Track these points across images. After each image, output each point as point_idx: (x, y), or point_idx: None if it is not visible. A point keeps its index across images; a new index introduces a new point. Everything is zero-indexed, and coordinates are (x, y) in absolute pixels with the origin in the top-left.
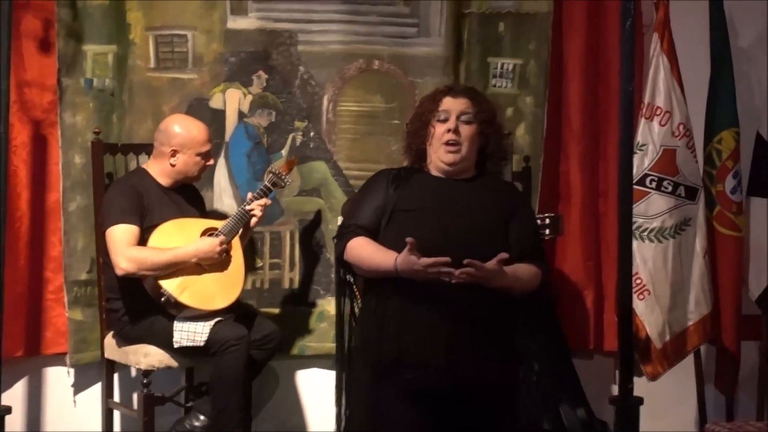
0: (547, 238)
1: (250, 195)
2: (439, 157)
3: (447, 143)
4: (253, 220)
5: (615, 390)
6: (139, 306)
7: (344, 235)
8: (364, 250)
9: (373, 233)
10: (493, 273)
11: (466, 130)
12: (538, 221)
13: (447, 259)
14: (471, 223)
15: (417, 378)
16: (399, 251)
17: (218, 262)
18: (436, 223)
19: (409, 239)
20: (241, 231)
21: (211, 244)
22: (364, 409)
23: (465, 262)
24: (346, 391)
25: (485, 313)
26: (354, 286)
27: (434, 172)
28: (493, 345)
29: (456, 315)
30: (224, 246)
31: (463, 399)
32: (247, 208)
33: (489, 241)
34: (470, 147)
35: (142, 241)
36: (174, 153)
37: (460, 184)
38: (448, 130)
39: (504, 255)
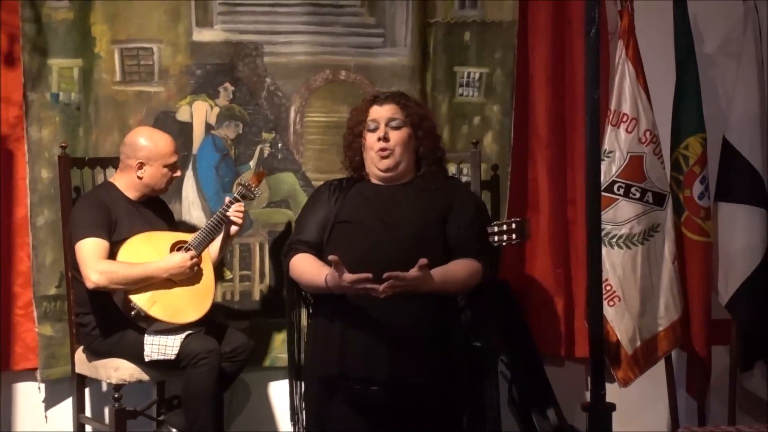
0: (514, 242)
1: (228, 199)
2: (374, 164)
3: (379, 151)
4: (234, 228)
5: (587, 396)
6: (109, 320)
7: (288, 252)
8: (303, 267)
9: (318, 248)
10: (417, 280)
11: (396, 135)
12: (505, 226)
13: (368, 275)
14: (407, 230)
15: (362, 391)
16: (341, 263)
17: (189, 276)
18: (373, 233)
19: (331, 257)
20: (221, 238)
21: (182, 259)
22: (315, 422)
23: (385, 276)
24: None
25: (426, 323)
26: (311, 299)
27: (373, 180)
28: (436, 355)
29: (396, 327)
30: (195, 260)
31: (408, 411)
32: (228, 214)
33: (425, 246)
34: (403, 151)
35: (111, 254)
36: (141, 165)
37: (397, 190)
38: (378, 139)
39: (423, 261)
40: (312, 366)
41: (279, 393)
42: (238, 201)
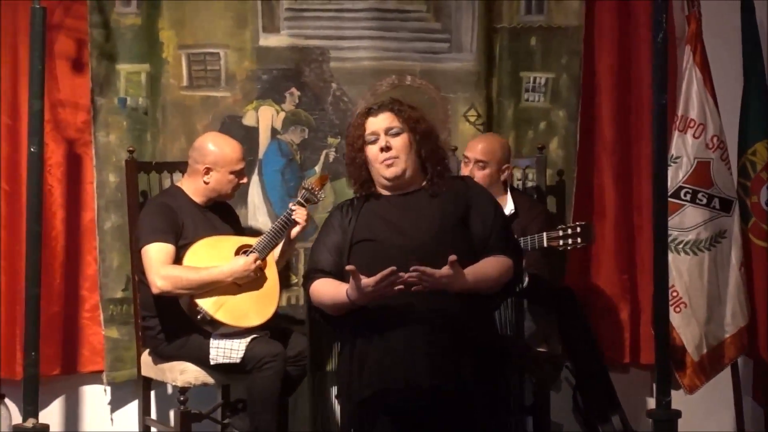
0: (579, 246)
1: (292, 204)
2: (381, 175)
3: (384, 161)
4: (297, 228)
5: (652, 403)
6: (174, 323)
7: (305, 282)
8: (322, 292)
9: (336, 272)
10: (447, 278)
11: (398, 142)
12: (570, 230)
13: (391, 268)
14: (426, 236)
15: (403, 404)
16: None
17: (253, 280)
18: (393, 245)
19: (348, 267)
20: (282, 243)
21: (246, 263)
22: None
23: (411, 269)
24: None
25: (461, 324)
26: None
27: (384, 193)
28: (475, 355)
29: (431, 331)
30: (258, 264)
31: (449, 415)
32: (293, 209)
33: (447, 249)
34: (408, 157)
35: (177, 259)
36: (207, 171)
37: (409, 198)
38: (381, 149)
39: (453, 257)
40: (349, 391)
41: None
42: (302, 205)
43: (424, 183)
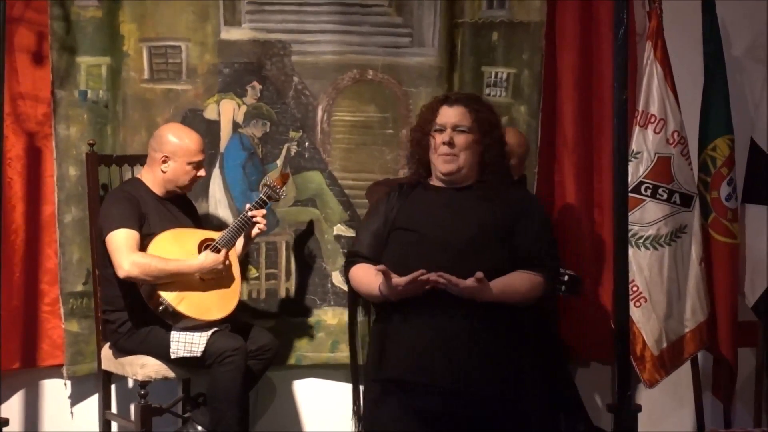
0: (561, 294)
1: (248, 206)
2: (437, 167)
3: (443, 154)
4: (256, 230)
5: (613, 397)
6: (135, 317)
7: (347, 264)
8: (358, 280)
9: (375, 257)
10: (471, 290)
11: (461, 140)
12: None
13: (420, 271)
14: (465, 236)
15: (422, 398)
16: (397, 268)
17: (218, 274)
18: (430, 239)
19: (379, 267)
20: (242, 241)
21: (216, 259)
22: (369, 423)
23: (437, 274)
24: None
25: (485, 328)
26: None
27: (436, 182)
28: (495, 359)
29: (455, 332)
30: (228, 261)
31: (469, 415)
32: (250, 214)
33: (483, 253)
34: (467, 156)
35: (140, 249)
36: (165, 159)
37: (457, 194)
38: (443, 142)
39: (479, 274)
40: (371, 368)
41: (304, 391)
42: (260, 206)
43: (476, 182)
